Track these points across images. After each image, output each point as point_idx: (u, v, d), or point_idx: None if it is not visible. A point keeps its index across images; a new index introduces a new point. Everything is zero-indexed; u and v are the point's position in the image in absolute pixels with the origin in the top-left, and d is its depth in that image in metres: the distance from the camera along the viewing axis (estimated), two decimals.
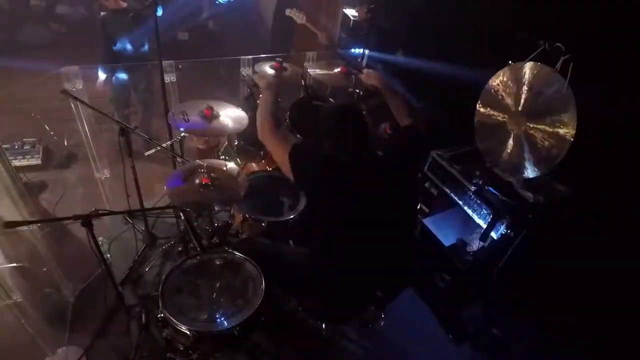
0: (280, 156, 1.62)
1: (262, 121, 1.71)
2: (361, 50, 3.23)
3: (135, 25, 3.18)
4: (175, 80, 2.84)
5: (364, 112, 1.89)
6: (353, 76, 2.70)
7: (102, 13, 3.28)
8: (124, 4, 3.23)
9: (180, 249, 2.51)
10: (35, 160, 3.49)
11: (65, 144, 3.69)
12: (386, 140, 2.52)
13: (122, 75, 3.50)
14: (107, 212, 2.34)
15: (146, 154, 2.44)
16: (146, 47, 3.49)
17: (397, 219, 1.70)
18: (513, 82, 2.21)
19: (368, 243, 1.63)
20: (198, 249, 1.96)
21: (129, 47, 3.43)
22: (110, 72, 3.35)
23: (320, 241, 1.71)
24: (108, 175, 2.97)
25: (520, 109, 2.20)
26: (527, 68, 2.12)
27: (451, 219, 2.76)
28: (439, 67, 2.99)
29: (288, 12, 3.48)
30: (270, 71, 2.63)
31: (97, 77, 3.27)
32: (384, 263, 1.70)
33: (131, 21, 3.20)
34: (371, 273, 1.70)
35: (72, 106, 2.55)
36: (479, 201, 2.28)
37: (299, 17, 3.46)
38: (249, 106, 2.68)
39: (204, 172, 1.88)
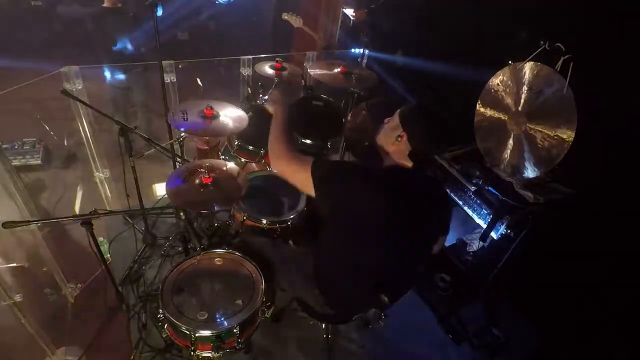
0: (302, 178, 1.46)
1: (277, 149, 1.54)
2: (361, 51, 3.23)
3: (135, 26, 3.19)
4: (175, 80, 2.84)
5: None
6: (353, 77, 2.70)
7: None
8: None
9: (180, 249, 2.51)
10: (35, 160, 3.49)
11: (65, 144, 3.70)
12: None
13: (120, 75, 3.50)
14: (107, 212, 2.35)
15: (146, 154, 2.44)
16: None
17: (419, 230, 1.61)
18: (513, 82, 2.21)
19: (384, 248, 1.57)
20: (198, 249, 1.96)
21: (129, 47, 3.43)
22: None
23: (331, 246, 1.63)
24: (108, 175, 2.97)
25: (520, 109, 2.20)
26: (527, 68, 2.12)
27: (451, 219, 2.76)
28: (439, 67, 2.99)
29: (284, 16, 3.48)
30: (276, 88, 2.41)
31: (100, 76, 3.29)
32: (396, 268, 1.69)
33: (132, 21, 3.21)
34: (380, 278, 1.68)
35: (72, 106, 2.55)
36: (479, 201, 2.28)
37: (295, 21, 3.47)
38: (249, 106, 2.67)
39: (204, 172, 1.88)
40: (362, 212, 1.46)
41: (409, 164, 1.49)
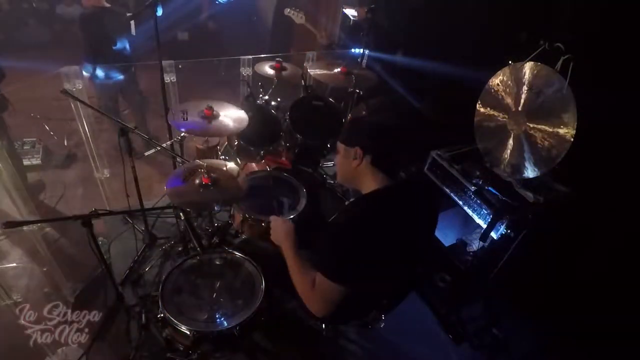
0: (329, 289, 1.39)
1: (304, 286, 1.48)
2: (361, 50, 3.23)
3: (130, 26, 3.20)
4: (175, 80, 2.84)
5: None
6: (353, 77, 2.70)
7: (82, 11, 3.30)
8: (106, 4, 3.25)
9: (180, 249, 2.51)
10: (35, 160, 3.49)
11: (65, 144, 3.70)
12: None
13: (120, 76, 3.50)
14: (107, 212, 2.34)
15: (146, 154, 2.44)
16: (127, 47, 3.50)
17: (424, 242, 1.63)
18: (513, 82, 2.21)
19: (388, 270, 1.54)
20: (198, 249, 1.96)
21: (128, 47, 3.44)
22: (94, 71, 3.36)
23: None
24: (108, 175, 2.97)
25: (520, 109, 2.20)
26: (527, 68, 2.12)
27: (451, 219, 2.76)
28: (439, 67, 2.99)
29: (287, 11, 3.49)
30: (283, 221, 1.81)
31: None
32: (398, 279, 1.69)
33: (128, 21, 3.21)
34: (382, 287, 1.69)
35: (72, 106, 2.55)
36: (479, 201, 2.28)
37: (298, 17, 3.47)
38: (249, 106, 2.67)
39: (204, 172, 1.88)
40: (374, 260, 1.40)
41: (381, 177, 1.46)
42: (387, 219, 1.40)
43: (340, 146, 1.54)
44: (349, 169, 1.50)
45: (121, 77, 3.51)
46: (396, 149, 1.50)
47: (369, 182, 1.47)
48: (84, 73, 3.26)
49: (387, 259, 1.43)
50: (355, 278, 1.37)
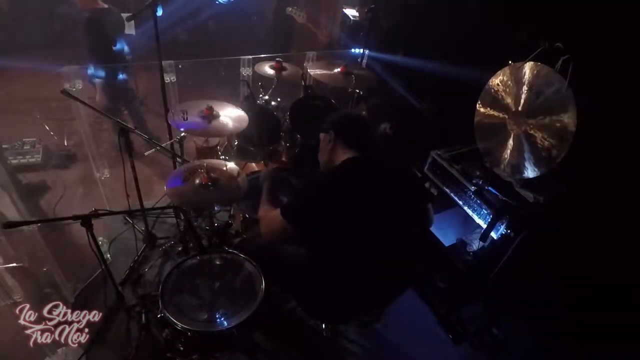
0: (278, 222, 1.60)
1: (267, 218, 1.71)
2: (361, 50, 3.23)
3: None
4: (175, 80, 2.84)
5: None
6: (353, 77, 2.70)
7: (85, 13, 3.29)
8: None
9: (180, 249, 2.51)
10: (35, 160, 3.48)
11: (65, 144, 3.69)
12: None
13: (117, 77, 3.50)
14: (107, 212, 2.35)
15: (146, 153, 2.43)
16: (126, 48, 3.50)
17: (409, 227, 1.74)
18: (513, 82, 2.21)
19: (377, 256, 1.61)
20: (198, 249, 1.96)
21: (126, 48, 3.44)
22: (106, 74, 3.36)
23: (325, 256, 1.67)
24: (108, 175, 2.97)
25: (520, 108, 2.20)
26: (527, 68, 2.12)
27: (451, 219, 2.76)
28: (439, 67, 2.99)
29: (289, 10, 3.49)
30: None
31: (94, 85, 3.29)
32: (390, 273, 1.70)
33: (124, 22, 3.21)
34: (377, 282, 1.69)
35: (72, 106, 2.55)
36: (479, 201, 2.28)
37: (299, 16, 3.47)
38: (249, 106, 2.67)
39: (204, 172, 1.88)
40: (344, 223, 1.54)
41: (352, 152, 1.68)
42: (349, 177, 1.62)
43: (321, 136, 1.82)
44: (327, 151, 1.76)
45: (120, 77, 3.51)
46: (361, 128, 1.78)
47: (342, 158, 1.69)
48: (89, 74, 3.28)
49: (348, 217, 1.54)
50: (304, 223, 1.58)
